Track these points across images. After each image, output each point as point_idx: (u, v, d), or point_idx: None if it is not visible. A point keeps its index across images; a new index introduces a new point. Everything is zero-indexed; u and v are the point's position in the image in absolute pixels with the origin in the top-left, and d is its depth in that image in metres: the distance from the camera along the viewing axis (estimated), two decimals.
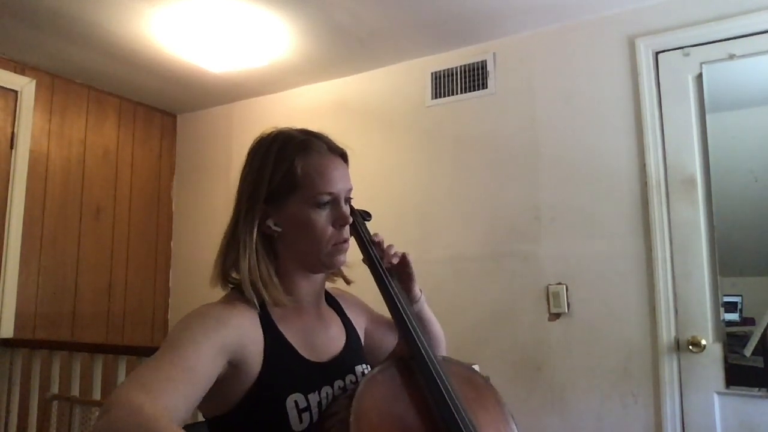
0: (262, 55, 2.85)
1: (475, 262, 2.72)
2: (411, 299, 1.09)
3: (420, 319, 1.07)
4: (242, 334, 0.89)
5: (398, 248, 1.09)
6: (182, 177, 3.80)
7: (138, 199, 3.57)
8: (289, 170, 0.95)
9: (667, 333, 2.26)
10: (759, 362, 2.12)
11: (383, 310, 1.09)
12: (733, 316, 2.19)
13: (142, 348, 2.56)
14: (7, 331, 2.85)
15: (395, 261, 1.06)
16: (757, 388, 2.11)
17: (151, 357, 0.79)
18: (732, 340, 2.17)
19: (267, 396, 0.89)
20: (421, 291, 1.13)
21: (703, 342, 2.20)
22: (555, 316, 2.50)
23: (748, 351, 2.14)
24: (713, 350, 2.19)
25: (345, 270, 1.10)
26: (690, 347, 2.21)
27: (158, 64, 3.00)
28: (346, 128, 3.15)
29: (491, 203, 2.72)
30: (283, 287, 0.97)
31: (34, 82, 3.04)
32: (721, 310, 2.20)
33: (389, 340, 1.16)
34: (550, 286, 2.52)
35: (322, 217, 0.96)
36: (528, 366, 2.53)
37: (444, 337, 1.20)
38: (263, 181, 0.96)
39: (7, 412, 2.72)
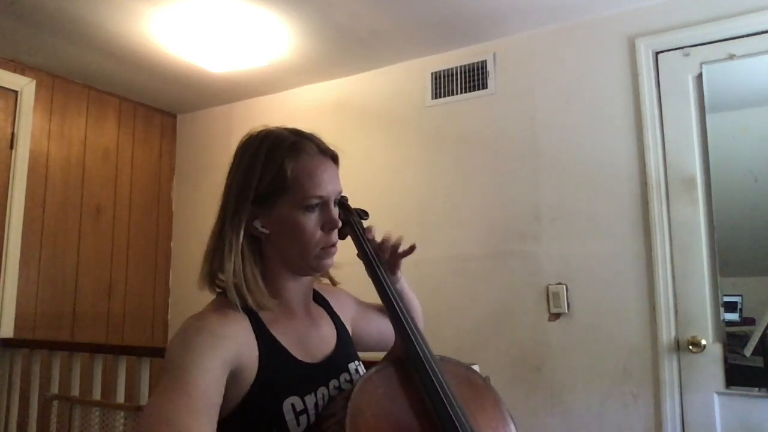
0: (262, 55, 2.85)
1: (475, 262, 2.72)
2: (393, 280, 1.09)
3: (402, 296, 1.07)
4: (238, 343, 0.88)
5: (391, 233, 1.09)
6: (182, 177, 3.80)
7: (138, 199, 3.57)
8: (278, 172, 0.93)
9: (667, 333, 2.26)
10: (759, 362, 2.12)
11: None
12: (733, 316, 2.19)
13: (142, 348, 2.56)
14: (7, 331, 2.85)
15: (387, 253, 1.07)
16: (757, 388, 2.11)
17: (160, 389, 0.77)
18: (732, 340, 2.17)
19: (263, 401, 0.88)
20: (401, 272, 1.13)
21: (703, 342, 2.20)
22: (555, 316, 2.49)
23: (748, 351, 2.14)
24: (713, 350, 2.19)
25: (332, 271, 1.09)
26: (690, 347, 2.21)
27: (158, 64, 3.00)
28: (346, 128, 3.15)
29: (491, 203, 2.71)
30: (269, 290, 0.95)
31: (34, 82, 3.04)
32: (721, 310, 2.20)
33: (378, 321, 1.17)
34: (550, 286, 2.51)
35: (311, 220, 0.95)
36: (528, 366, 2.53)
37: (421, 309, 1.23)
38: (252, 181, 0.94)
39: (7, 412, 2.72)
